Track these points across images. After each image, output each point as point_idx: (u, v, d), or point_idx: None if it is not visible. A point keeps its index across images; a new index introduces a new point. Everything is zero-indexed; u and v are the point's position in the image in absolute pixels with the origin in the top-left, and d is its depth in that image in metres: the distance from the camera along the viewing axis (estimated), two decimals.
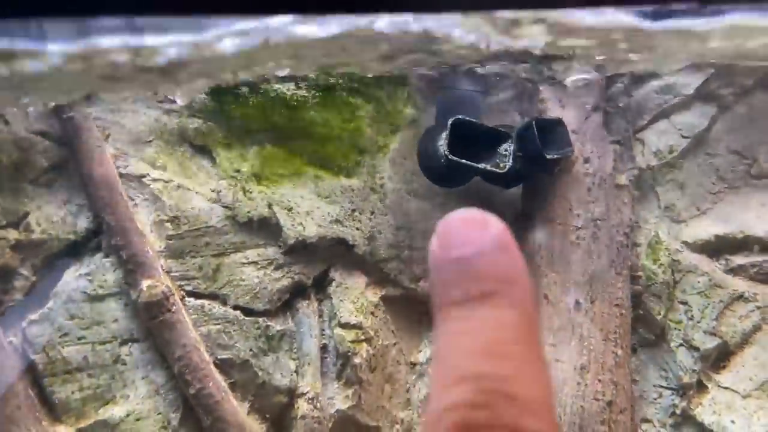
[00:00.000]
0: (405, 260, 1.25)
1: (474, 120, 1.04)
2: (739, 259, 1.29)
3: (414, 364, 1.30)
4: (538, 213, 1.25)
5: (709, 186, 1.32)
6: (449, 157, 1.00)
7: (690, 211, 1.31)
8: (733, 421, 1.20)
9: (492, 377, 0.30)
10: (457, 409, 0.30)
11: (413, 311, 1.31)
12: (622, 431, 1.20)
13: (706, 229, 1.30)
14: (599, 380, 1.18)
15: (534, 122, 1.08)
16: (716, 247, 1.29)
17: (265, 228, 1.15)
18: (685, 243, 1.30)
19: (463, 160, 1.00)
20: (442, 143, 1.01)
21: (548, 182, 1.23)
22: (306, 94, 1.16)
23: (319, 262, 1.21)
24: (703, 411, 1.23)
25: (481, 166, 1.03)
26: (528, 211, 1.27)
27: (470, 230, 0.35)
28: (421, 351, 1.31)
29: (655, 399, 1.27)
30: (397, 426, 1.26)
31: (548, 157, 1.08)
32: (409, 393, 1.29)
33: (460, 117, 1.02)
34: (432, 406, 0.31)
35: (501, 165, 1.05)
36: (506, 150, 1.06)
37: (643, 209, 1.32)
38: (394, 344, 1.28)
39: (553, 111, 1.21)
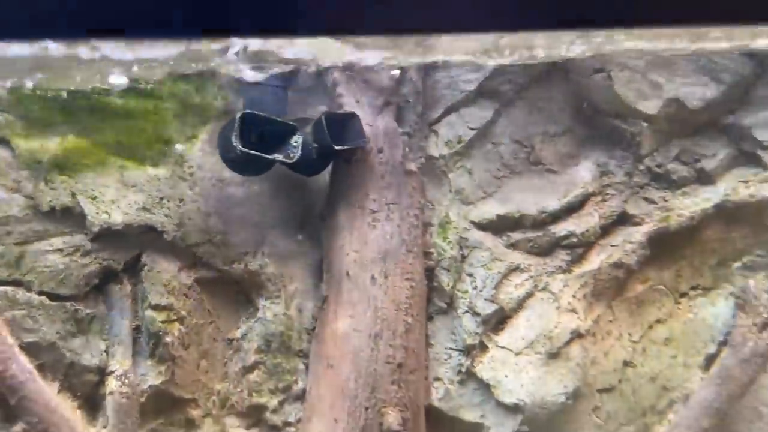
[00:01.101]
0: (218, 244, 1.34)
1: (262, 114, 1.13)
2: (517, 235, 1.48)
3: (231, 340, 1.40)
4: (341, 198, 1.37)
5: (494, 171, 1.50)
6: (239, 148, 1.09)
7: (477, 194, 1.49)
8: (506, 375, 1.40)
9: None
10: None
11: (229, 291, 1.40)
12: (413, 389, 1.36)
13: (490, 209, 1.47)
14: (391, 346, 1.33)
15: (324, 117, 1.19)
16: (499, 225, 1.47)
17: (70, 216, 1.20)
18: (473, 222, 1.47)
19: (252, 151, 1.09)
20: (234, 136, 1.10)
21: (348, 170, 1.36)
22: (109, 87, 1.21)
23: (129, 248, 1.27)
24: (483, 368, 1.42)
25: (271, 156, 1.13)
26: (333, 196, 1.39)
27: None
28: (238, 328, 1.41)
29: (446, 360, 1.45)
30: (214, 397, 1.36)
31: (337, 148, 1.20)
32: (226, 366, 1.38)
33: (248, 111, 1.11)
34: None
35: (291, 155, 1.16)
36: (296, 141, 1.16)
37: (437, 193, 1.48)
38: (210, 322, 1.37)
39: (349, 106, 1.33)
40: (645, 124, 1.44)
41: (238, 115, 1.11)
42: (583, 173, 1.48)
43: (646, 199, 1.48)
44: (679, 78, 1.42)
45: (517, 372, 1.40)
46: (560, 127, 1.51)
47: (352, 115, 1.29)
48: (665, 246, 1.47)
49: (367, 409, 1.30)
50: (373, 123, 1.34)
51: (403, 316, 1.35)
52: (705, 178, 1.47)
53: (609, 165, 1.49)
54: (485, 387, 1.41)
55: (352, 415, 1.29)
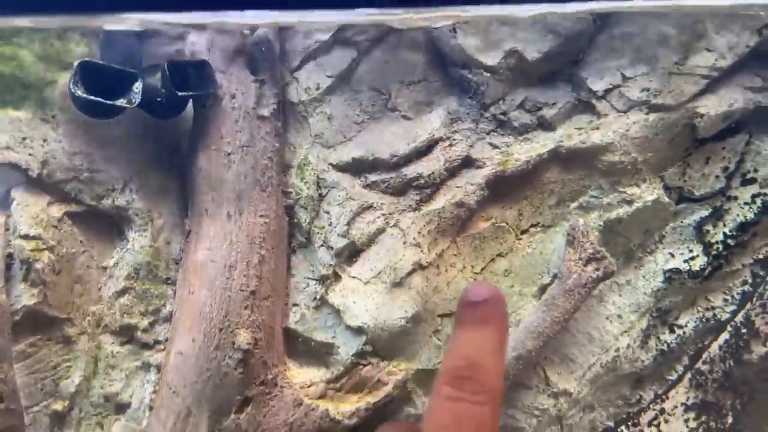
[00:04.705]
0: (85, 181, 1.46)
1: (100, 61, 1.24)
2: (373, 177, 1.61)
3: (105, 268, 1.54)
4: (199, 141, 1.49)
5: (354, 117, 1.61)
6: (76, 94, 1.20)
7: (337, 138, 1.61)
8: (354, 302, 1.56)
9: (473, 358, 0.61)
10: (450, 371, 0.60)
11: (102, 224, 1.54)
12: (266, 313, 1.52)
13: (348, 152, 1.60)
14: (245, 275, 1.48)
15: (167, 65, 1.30)
16: (356, 167, 1.60)
17: None
18: (331, 164, 1.60)
19: (90, 97, 1.20)
20: (72, 82, 1.21)
21: (204, 115, 1.47)
22: None
23: None
24: (335, 295, 1.57)
25: (110, 102, 1.24)
26: (193, 139, 1.51)
27: (481, 289, 0.64)
28: (113, 257, 1.55)
29: (304, 288, 1.60)
30: (89, 317, 1.52)
31: (180, 94, 1.31)
32: (101, 291, 1.54)
33: (87, 59, 1.21)
34: (442, 370, 0.63)
35: (132, 100, 1.27)
36: (137, 88, 1.27)
37: (298, 137, 1.60)
38: (83, 252, 1.51)
39: (202, 54, 1.43)
40: (487, 75, 1.55)
41: (76, 63, 1.22)
42: (434, 120, 1.60)
43: (491, 144, 1.60)
44: (519, 33, 1.52)
45: (364, 299, 1.56)
46: (416, 76, 1.61)
47: (203, 63, 1.40)
48: (507, 187, 1.61)
49: (221, 330, 1.46)
50: (226, 70, 1.45)
51: (257, 249, 1.50)
52: (546, 125, 1.60)
53: (459, 112, 1.61)
54: (336, 312, 1.57)
55: (207, 335, 1.45)
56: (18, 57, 1.34)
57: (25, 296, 1.42)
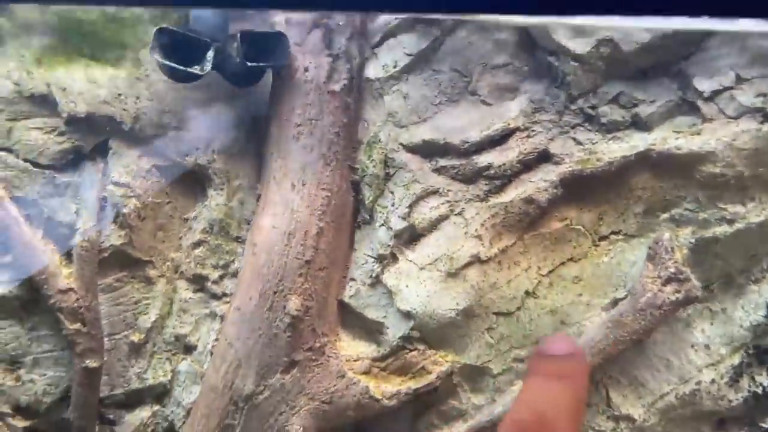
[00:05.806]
0: (171, 138, 1.58)
1: (175, 29, 1.31)
2: (444, 161, 1.56)
3: (186, 219, 1.67)
4: (273, 110, 1.54)
5: (431, 98, 1.56)
6: (158, 59, 1.29)
7: (411, 118, 1.57)
8: (407, 286, 1.54)
9: (544, 414, 0.61)
10: (515, 424, 0.61)
11: (187, 179, 1.65)
12: (320, 284, 1.55)
13: (420, 134, 1.56)
14: (302, 245, 1.52)
15: (240, 35, 1.35)
16: (426, 150, 1.56)
17: (47, 102, 1.50)
18: (402, 144, 1.57)
19: (165, 62, 1.29)
20: (150, 47, 1.30)
21: (279, 85, 1.51)
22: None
23: (98, 133, 1.55)
24: (390, 276, 1.56)
25: (182, 68, 1.32)
26: (270, 107, 1.56)
27: (562, 342, 0.66)
28: (195, 210, 1.67)
29: (363, 264, 1.61)
30: (168, 263, 1.66)
31: (249, 65, 1.36)
32: (181, 240, 1.67)
33: (165, 26, 1.29)
34: (507, 420, 0.62)
35: (203, 68, 1.34)
36: (209, 56, 1.34)
37: (373, 113, 1.59)
38: (168, 202, 1.64)
39: (280, 26, 1.46)
40: (575, 64, 1.41)
41: (155, 29, 1.31)
42: (513, 108, 1.50)
43: (574, 139, 1.47)
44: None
45: (417, 284, 1.53)
46: (501, 59, 1.52)
47: (279, 34, 1.43)
48: (587, 188, 1.47)
49: (275, 293, 1.52)
50: (302, 43, 1.47)
51: (316, 220, 1.53)
52: (640, 124, 1.43)
53: (543, 102, 1.49)
54: (389, 293, 1.56)
55: (263, 296, 1.52)
56: (118, 20, 1.46)
57: (114, 236, 1.58)
